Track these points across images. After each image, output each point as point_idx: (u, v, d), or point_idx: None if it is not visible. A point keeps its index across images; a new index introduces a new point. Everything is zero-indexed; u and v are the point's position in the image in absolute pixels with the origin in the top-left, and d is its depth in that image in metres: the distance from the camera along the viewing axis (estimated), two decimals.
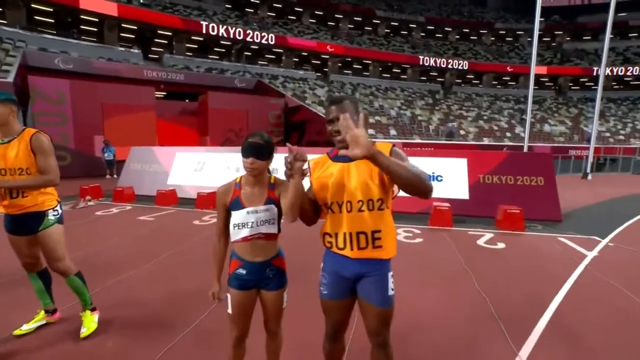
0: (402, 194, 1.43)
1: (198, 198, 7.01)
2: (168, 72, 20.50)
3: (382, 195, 1.43)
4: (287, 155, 1.36)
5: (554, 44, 41.96)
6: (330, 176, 1.48)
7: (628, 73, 35.21)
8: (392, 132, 19.13)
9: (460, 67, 34.99)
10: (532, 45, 12.37)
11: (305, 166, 1.40)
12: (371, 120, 20.64)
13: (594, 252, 4.43)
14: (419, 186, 1.26)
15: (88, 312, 2.46)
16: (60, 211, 2.36)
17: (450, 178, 7.07)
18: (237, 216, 1.57)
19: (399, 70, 37.80)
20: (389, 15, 39.98)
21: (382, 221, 1.44)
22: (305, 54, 32.03)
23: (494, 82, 38.08)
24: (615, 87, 37.39)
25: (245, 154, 1.52)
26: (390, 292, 1.48)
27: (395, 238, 1.50)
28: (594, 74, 35.07)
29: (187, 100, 22.10)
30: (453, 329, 2.57)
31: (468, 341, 2.42)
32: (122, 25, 23.53)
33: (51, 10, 20.48)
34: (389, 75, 37.24)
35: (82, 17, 21.73)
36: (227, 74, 24.43)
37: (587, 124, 26.91)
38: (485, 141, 20.16)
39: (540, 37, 42.54)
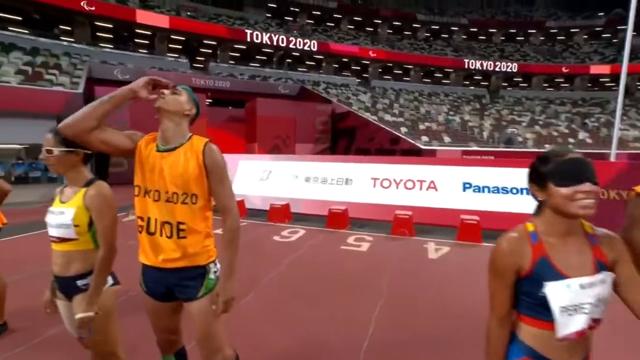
0: None
1: (270, 210, 6.59)
2: (215, 80, 20.85)
3: None
4: None
5: (615, 41, 38.64)
6: None
7: None
8: (446, 138, 18.04)
9: (508, 70, 33.02)
10: (627, 42, 10.84)
11: None
12: (421, 126, 19.70)
13: None
14: None
15: None
16: (219, 265, 1.49)
17: None
18: (563, 293, 0.90)
19: (441, 75, 36.41)
20: (430, 19, 38.84)
21: None
22: (346, 60, 31.68)
23: (544, 85, 35.58)
24: None
25: (574, 178, 0.88)
26: None
27: None
28: None
29: (229, 107, 22.39)
30: None
31: None
32: (171, 36, 24.43)
33: (111, 26, 21.62)
34: (429, 80, 36.00)
35: (136, 30, 22.76)
36: (270, 81, 24.55)
37: None
38: (547, 148, 18.50)
39: (599, 33, 39.75)
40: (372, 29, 37.82)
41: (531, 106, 29.29)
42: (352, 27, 37.07)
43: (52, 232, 1.48)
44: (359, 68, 33.92)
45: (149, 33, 23.71)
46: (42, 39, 18.29)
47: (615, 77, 35.39)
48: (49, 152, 1.46)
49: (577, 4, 40.69)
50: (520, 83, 37.13)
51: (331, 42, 29.97)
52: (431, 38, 39.17)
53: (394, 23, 38.23)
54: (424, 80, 35.09)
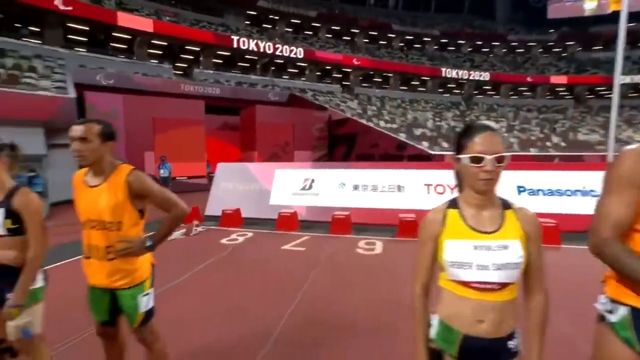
0: None
1: (333, 222, 6.26)
2: (204, 87, 19.99)
3: None
4: None
5: (565, 55, 42.41)
6: None
7: None
8: (444, 144, 18.61)
9: (481, 78, 35.02)
10: (619, 54, 11.75)
11: None
12: (416, 132, 20.16)
13: None
14: None
15: None
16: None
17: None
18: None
19: (418, 83, 37.86)
20: (404, 29, 40.32)
21: None
22: (328, 67, 31.91)
23: (510, 93, 38.16)
24: (631, 94, 37.46)
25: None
26: None
27: None
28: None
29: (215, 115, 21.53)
30: None
31: None
32: (152, 41, 23.18)
33: (86, 28, 20.05)
34: (406, 88, 37.26)
35: (114, 34, 21.31)
36: (257, 88, 24.01)
37: (619, 132, 26.66)
38: (532, 151, 19.72)
39: (550, 47, 43.40)
40: (349, 38, 38.53)
41: (503, 113, 31.18)
42: (330, 35, 37.53)
43: (489, 276, 1.03)
44: (340, 76, 34.31)
45: (127, 37, 22.30)
46: (8, 39, 16.52)
47: (569, 87, 38.90)
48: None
49: (532, 20, 44.26)
50: (488, 91, 39.55)
51: (315, 49, 30.07)
52: (405, 47, 40.69)
53: (370, 32, 39.26)
54: (401, 87, 36.27)
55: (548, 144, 22.42)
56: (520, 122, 28.19)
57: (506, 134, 22.28)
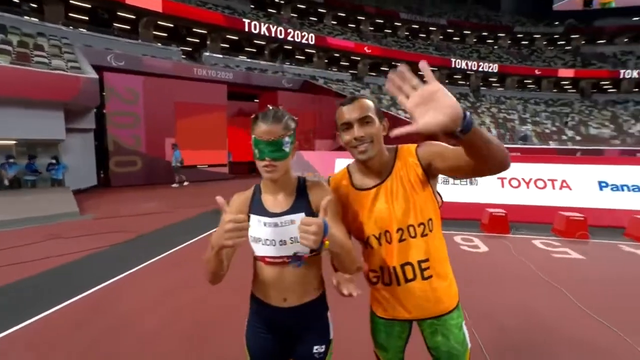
0: None
1: (491, 220, 5.70)
2: (217, 71, 19.04)
3: None
4: None
5: (569, 48, 42.42)
6: None
7: None
8: None
9: (490, 70, 34.71)
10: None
11: None
12: None
13: None
14: None
15: None
16: None
17: None
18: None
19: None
20: (411, 18, 39.54)
21: None
22: (337, 55, 31.05)
23: (516, 86, 38.00)
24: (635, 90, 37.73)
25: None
26: None
27: None
28: (620, 77, 35.41)
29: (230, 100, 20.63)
30: None
31: None
32: (159, 22, 21.96)
33: (89, 6, 18.76)
34: None
35: (118, 13, 20.05)
36: (268, 74, 23.11)
37: (628, 126, 26.79)
38: (552, 145, 19.53)
39: (555, 40, 43.27)
40: (354, 26, 37.59)
41: (512, 105, 31.00)
42: (336, 22, 36.54)
43: None
44: (348, 64, 33.50)
45: (132, 17, 21.04)
46: (8, 15, 15.33)
47: (573, 81, 38.94)
48: None
49: (538, 12, 44.05)
50: (494, 83, 39.32)
51: (324, 35, 29.15)
52: (411, 37, 40.01)
53: (377, 20, 38.40)
54: None
55: (564, 137, 22.32)
56: (532, 115, 28.06)
57: (523, 128, 22.04)
